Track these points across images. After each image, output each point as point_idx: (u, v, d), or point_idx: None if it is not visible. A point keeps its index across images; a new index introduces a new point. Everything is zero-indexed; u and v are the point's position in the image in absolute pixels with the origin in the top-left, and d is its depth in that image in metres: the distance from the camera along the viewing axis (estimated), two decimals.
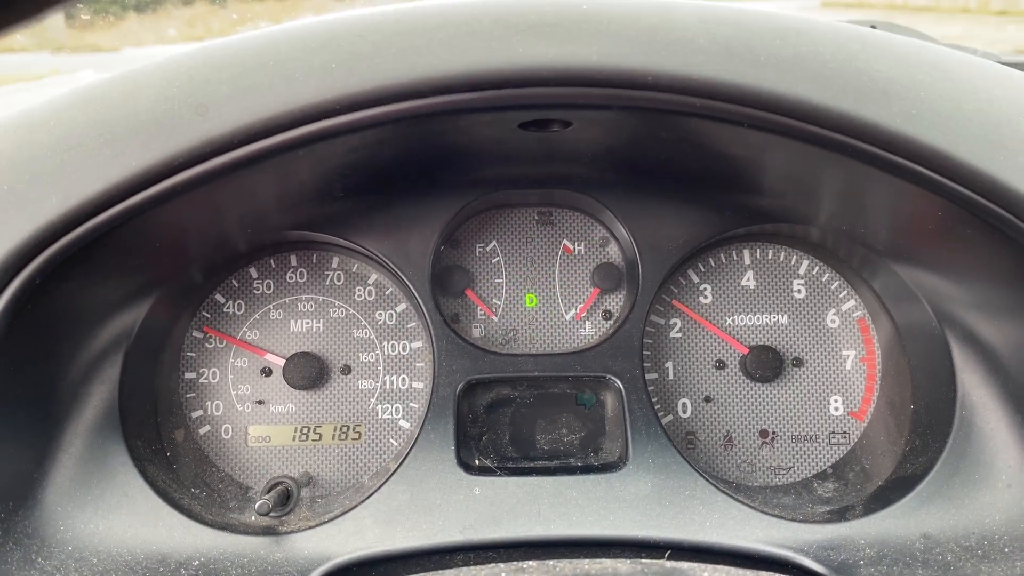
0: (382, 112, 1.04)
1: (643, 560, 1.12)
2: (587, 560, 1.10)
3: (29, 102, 1.20)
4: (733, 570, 1.05)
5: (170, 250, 1.40)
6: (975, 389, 1.40)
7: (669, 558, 1.24)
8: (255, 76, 1.05)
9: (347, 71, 1.03)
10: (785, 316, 1.70)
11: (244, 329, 1.67)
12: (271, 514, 1.37)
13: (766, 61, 1.04)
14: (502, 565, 1.08)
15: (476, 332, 1.70)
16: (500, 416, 1.59)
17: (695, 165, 1.41)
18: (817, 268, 1.71)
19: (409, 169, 1.46)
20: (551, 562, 1.08)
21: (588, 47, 1.02)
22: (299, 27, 1.10)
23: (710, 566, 1.05)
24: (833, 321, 1.70)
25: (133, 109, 1.08)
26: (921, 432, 1.50)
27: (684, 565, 1.05)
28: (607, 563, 1.07)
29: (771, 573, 1.09)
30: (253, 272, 1.69)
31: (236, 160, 1.07)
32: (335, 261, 1.70)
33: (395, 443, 1.66)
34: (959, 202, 1.10)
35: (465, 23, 1.04)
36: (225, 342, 1.66)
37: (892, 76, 1.07)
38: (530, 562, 1.09)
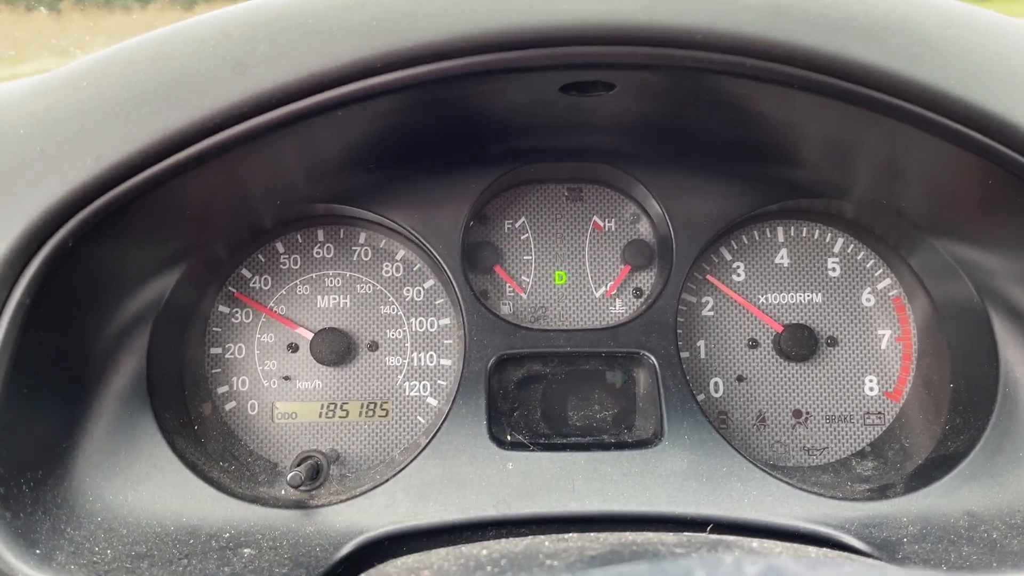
0: (424, 71, 1.02)
1: (685, 533, 1.09)
2: (629, 532, 1.08)
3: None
4: (782, 543, 1.03)
5: (199, 220, 1.38)
6: (1019, 365, 1.38)
7: (711, 532, 1.22)
8: (294, 34, 1.03)
9: (388, 29, 1.01)
10: (819, 295, 1.68)
11: (271, 304, 1.65)
12: (302, 487, 1.35)
13: (816, 20, 1.01)
14: (542, 536, 1.06)
15: (505, 309, 1.68)
16: (531, 392, 1.57)
17: (732, 134, 1.38)
18: (852, 246, 1.68)
19: (439, 140, 1.44)
20: (594, 533, 1.06)
21: (635, 4, 0.99)
22: None
23: (757, 539, 1.03)
24: (868, 300, 1.67)
25: (168, 68, 1.06)
26: (962, 410, 1.47)
27: (731, 537, 1.02)
28: (651, 535, 1.04)
29: (820, 547, 1.06)
30: (280, 247, 1.67)
31: (274, 120, 1.05)
32: (362, 236, 1.68)
33: (423, 421, 1.63)
34: (1011, 167, 1.07)
35: None
36: (252, 316, 1.64)
37: (945, 37, 1.04)
38: (572, 533, 1.07)
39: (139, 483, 1.31)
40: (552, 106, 1.28)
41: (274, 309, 1.65)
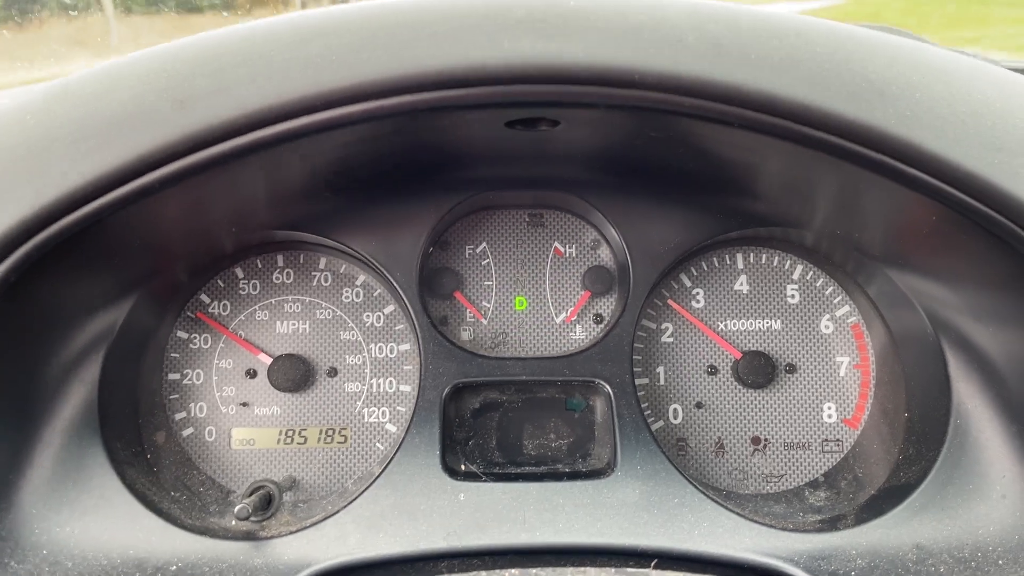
0: (365, 108, 1.02)
1: (628, 569, 1.09)
2: (570, 569, 1.08)
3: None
4: None
5: (151, 248, 1.37)
6: (970, 398, 1.38)
7: (656, 566, 1.22)
8: (236, 71, 1.03)
9: (330, 66, 1.01)
10: (778, 321, 1.68)
11: (230, 330, 1.64)
12: (251, 518, 1.34)
13: (756, 60, 1.02)
14: (483, 573, 1.06)
15: (465, 335, 1.68)
16: (487, 421, 1.57)
17: (687, 167, 1.38)
18: (811, 273, 1.69)
19: (397, 168, 1.44)
20: (533, 571, 1.05)
21: (574, 44, 0.99)
22: (282, 21, 1.08)
23: (697, 575, 1.03)
24: (827, 327, 1.68)
25: (110, 103, 1.05)
26: (915, 441, 1.47)
27: (670, 574, 1.02)
28: (590, 572, 1.04)
29: None
30: (239, 272, 1.66)
31: (216, 156, 1.04)
32: (322, 262, 1.68)
33: (381, 447, 1.63)
34: (954, 206, 1.07)
35: (450, 19, 1.02)
36: (211, 341, 1.64)
37: (886, 77, 1.04)
38: (512, 571, 1.07)
39: (86, 515, 1.30)
40: (505, 139, 1.28)
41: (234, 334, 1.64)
